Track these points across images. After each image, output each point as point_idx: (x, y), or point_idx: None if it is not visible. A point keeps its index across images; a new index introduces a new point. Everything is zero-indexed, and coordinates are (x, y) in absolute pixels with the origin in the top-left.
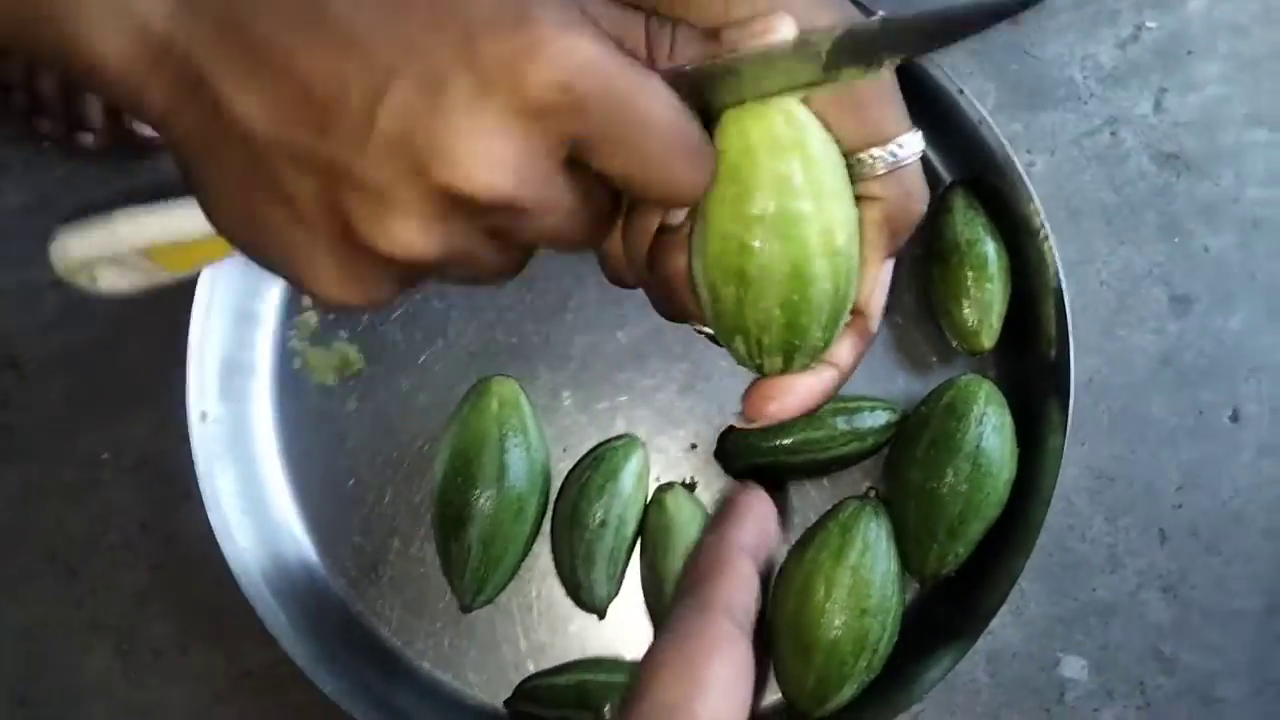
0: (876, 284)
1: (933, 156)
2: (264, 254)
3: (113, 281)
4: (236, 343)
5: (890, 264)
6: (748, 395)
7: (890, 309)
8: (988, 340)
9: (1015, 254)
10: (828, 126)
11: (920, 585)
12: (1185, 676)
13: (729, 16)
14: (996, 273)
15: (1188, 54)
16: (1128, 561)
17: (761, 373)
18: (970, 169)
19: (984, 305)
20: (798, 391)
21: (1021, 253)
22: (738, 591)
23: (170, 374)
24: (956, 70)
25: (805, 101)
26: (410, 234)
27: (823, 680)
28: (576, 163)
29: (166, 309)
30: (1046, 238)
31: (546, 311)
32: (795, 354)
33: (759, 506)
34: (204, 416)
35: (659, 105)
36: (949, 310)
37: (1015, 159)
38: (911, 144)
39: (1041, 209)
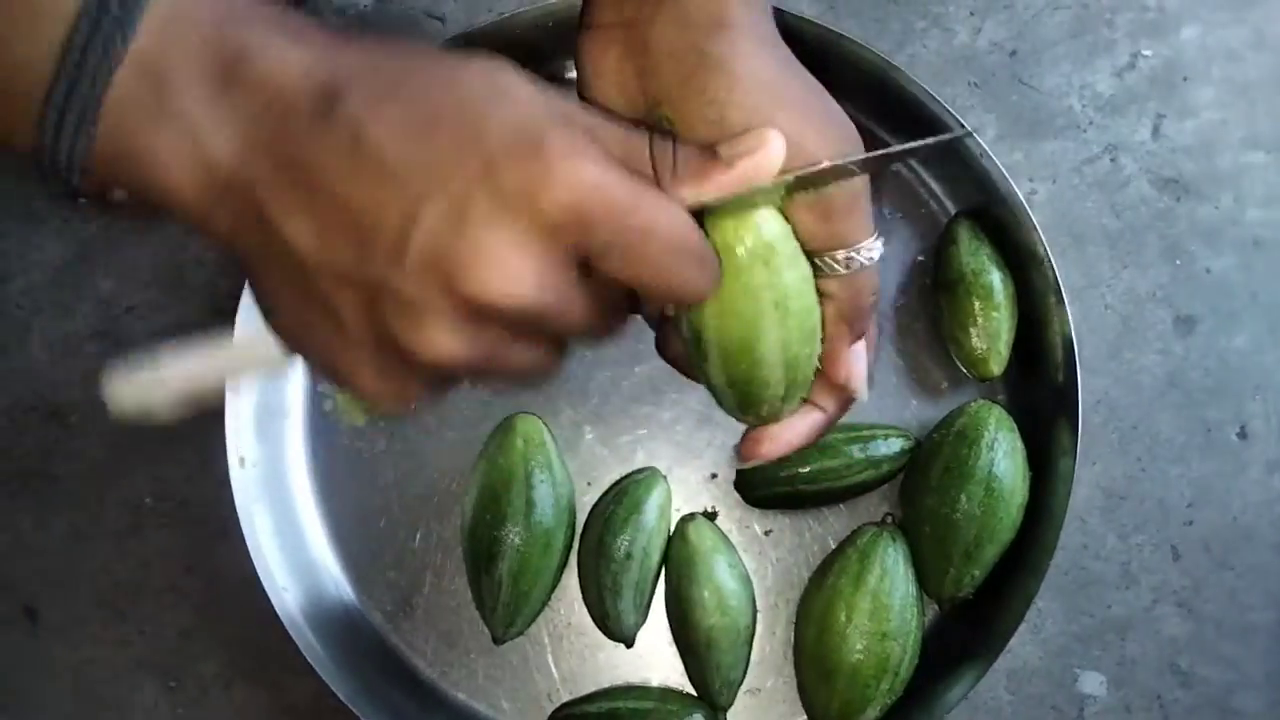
0: (851, 363)
1: (937, 189)
2: (314, 359)
3: (167, 413)
4: (269, 388)
5: (861, 344)
6: (743, 441)
7: (902, 338)
8: (996, 367)
9: (1021, 281)
10: (799, 229)
11: (939, 607)
12: (1202, 690)
13: (722, 123)
14: (1003, 301)
15: (1184, 80)
16: (1142, 578)
17: (752, 421)
18: (974, 200)
19: (991, 333)
20: (783, 434)
21: (1027, 280)
22: None
23: (205, 419)
24: (958, 103)
25: (782, 208)
26: (443, 339)
27: (846, 704)
28: (591, 267)
29: None
30: (1050, 265)
31: None
32: (759, 404)
33: None
34: (242, 462)
35: (662, 217)
36: (957, 338)
37: (1017, 189)
38: (870, 250)
39: (1044, 237)
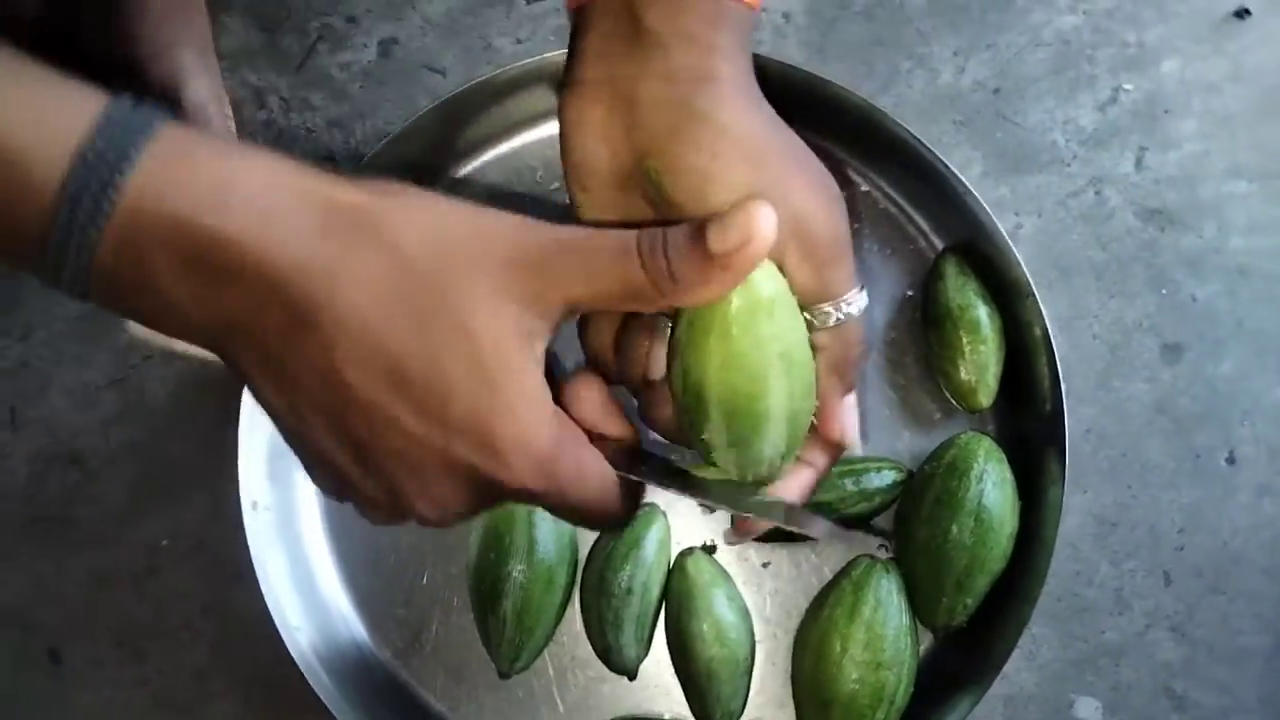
0: (843, 417)
1: (924, 226)
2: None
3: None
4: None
5: (852, 397)
6: (736, 521)
7: (893, 371)
8: (985, 399)
9: (1007, 314)
10: (790, 282)
11: (934, 636)
12: (1196, 714)
13: (709, 172)
14: (990, 334)
15: (1165, 113)
16: (1134, 604)
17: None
18: (960, 236)
19: (980, 366)
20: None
21: (1013, 313)
22: None
23: (221, 462)
24: (943, 140)
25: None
26: (386, 521)
27: None
28: None
29: (216, 401)
30: (1034, 298)
31: None
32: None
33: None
34: (255, 505)
35: (590, 494)
36: (947, 372)
37: (1000, 225)
38: (857, 302)
39: (1031, 270)
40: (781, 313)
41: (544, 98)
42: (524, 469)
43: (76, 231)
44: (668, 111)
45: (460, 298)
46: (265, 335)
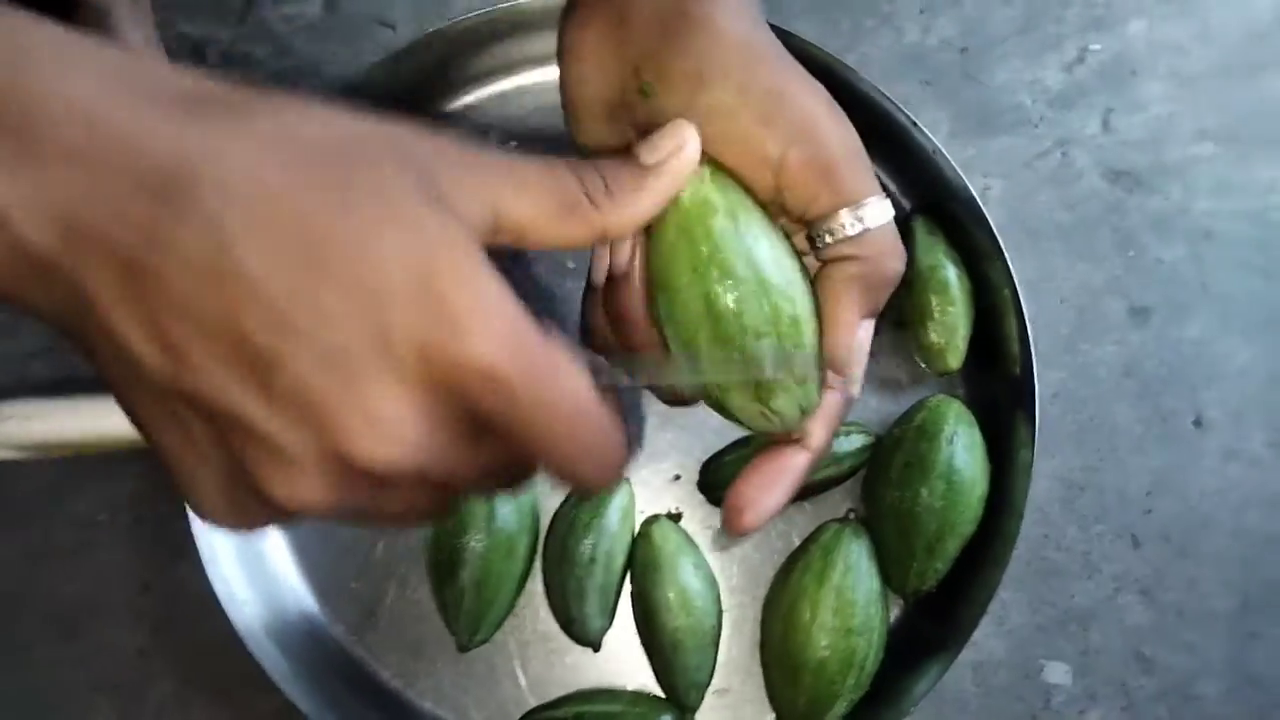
0: (852, 341)
1: (893, 187)
2: (159, 454)
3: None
4: None
5: (869, 324)
6: (725, 515)
7: None
8: (954, 361)
9: (976, 276)
10: (795, 192)
11: (904, 602)
12: (1165, 676)
13: (702, 78)
14: (959, 295)
15: (1132, 74)
16: (1103, 567)
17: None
18: (928, 197)
19: (949, 328)
20: (766, 499)
21: (982, 275)
22: None
23: None
24: (909, 101)
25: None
26: (306, 489)
27: (813, 700)
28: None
29: None
30: (1004, 260)
31: None
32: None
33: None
34: None
35: (569, 396)
36: (916, 334)
37: (970, 185)
38: (878, 207)
39: (999, 232)
40: (720, 223)
41: (498, 52)
42: (488, 335)
43: None
44: (661, 21)
45: (381, 178)
46: (124, 232)
